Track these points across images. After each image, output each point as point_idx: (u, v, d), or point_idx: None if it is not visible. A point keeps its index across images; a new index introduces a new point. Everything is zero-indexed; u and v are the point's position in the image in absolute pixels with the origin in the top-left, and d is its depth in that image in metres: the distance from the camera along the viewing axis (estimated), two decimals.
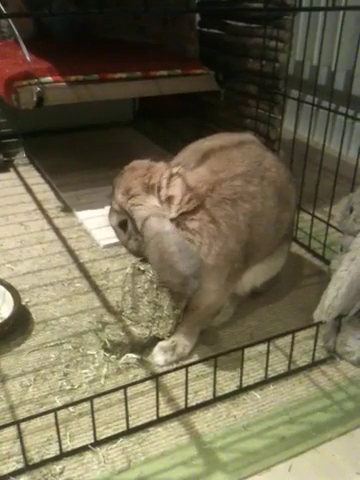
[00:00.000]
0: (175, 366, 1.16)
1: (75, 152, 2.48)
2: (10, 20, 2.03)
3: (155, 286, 1.22)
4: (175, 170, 1.19)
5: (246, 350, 1.16)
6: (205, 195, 1.14)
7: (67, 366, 1.21)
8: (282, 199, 1.23)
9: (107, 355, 1.24)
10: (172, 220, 1.13)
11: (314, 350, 1.22)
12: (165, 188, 1.16)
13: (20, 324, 1.34)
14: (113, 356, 1.23)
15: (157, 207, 1.14)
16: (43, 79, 1.79)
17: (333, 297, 1.17)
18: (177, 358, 1.22)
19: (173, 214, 1.14)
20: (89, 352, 1.25)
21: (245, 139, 1.32)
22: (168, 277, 1.11)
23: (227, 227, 1.13)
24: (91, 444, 1.01)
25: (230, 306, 1.36)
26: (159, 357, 1.22)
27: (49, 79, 1.81)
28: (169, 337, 1.24)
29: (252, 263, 1.25)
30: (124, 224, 1.23)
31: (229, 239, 1.14)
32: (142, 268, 1.24)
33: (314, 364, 1.22)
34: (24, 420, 0.95)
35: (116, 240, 1.73)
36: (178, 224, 1.14)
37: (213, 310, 1.28)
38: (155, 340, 1.27)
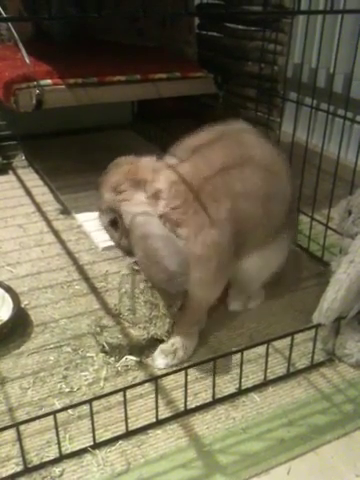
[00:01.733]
0: (174, 368, 1.16)
1: (74, 154, 2.48)
2: (9, 23, 2.03)
3: (150, 285, 1.22)
4: (161, 164, 1.18)
5: (245, 352, 1.16)
6: (191, 189, 1.14)
7: (66, 368, 1.21)
8: (271, 186, 1.22)
9: (106, 358, 1.24)
10: (160, 215, 1.13)
11: (313, 352, 1.22)
12: (151, 182, 1.16)
13: (19, 326, 1.34)
14: (112, 358, 1.24)
15: (144, 203, 1.14)
16: (42, 82, 1.79)
17: (332, 299, 1.17)
18: (178, 361, 1.22)
19: (161, 209, 1.14)
20: (88, 354, 1.25)
21: (233, 129, 1.33)
22: (154, 273, 1.11)
23: (213, 218, 1.13)
24: (90, 446, 1.01)
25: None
26: (160, 361, 1.22)
27: (48, 82, 1.81)
28: (167, 337, 1.24)
29: (244, 254, 1.23)
30: (115, 223, 1.23)
31: (215, 229, 1.13)
32: (136, 268, 1.24)
33: (313, 366, 1.23)
34: (23, 422, 0.95)
35: None
36: (166, 218, 1.13)
37: (206, 304, 1.26)
38: (154, 341, 1.27)
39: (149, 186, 1.17)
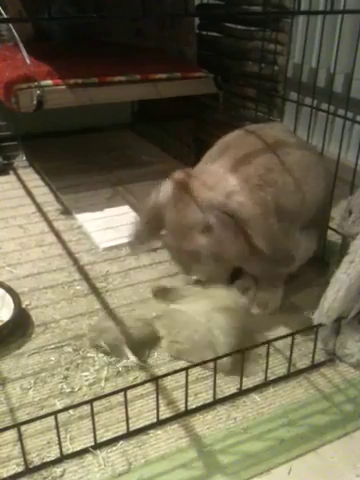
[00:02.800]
0: (175, 369, 1.16)
1: (74, 155, 2.48)
2: (10, 24, 2.04)
3: None
4: (220, 169, 1.26)
5: (246, 352, 1.17)
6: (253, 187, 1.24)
7: (67, 369, 1.21)
8: (306, 182, 1.32)
9: (107, 358, 1.24)
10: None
11: (314, 352, 1.22)
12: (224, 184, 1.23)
13: (20, 327, 1.34)
14: (113, 359, 1.24)
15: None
16: (43, 82, 1.79)
17: (332, 299, 1.17)
18: (270, 311, 1.36)
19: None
20: (89, 355, 1.25)
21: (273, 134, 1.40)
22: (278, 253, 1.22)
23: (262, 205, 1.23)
24: (91, 447, 1.02)
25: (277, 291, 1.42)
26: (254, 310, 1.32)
27: (49, 82, 1.81)
28: None
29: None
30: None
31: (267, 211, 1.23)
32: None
33: (314, 366, 1.23)
34: (24, 423, 0.95)
35: (116, 242, 1.75)
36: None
37: (277, 255, 1.27)
38: (154, 339, 1.29)
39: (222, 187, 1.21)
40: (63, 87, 1.81)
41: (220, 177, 1.23)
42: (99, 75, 1.86)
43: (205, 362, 1.13)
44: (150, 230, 1.33)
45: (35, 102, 1.72)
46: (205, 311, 1.22)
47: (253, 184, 1.24)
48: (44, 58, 1.96)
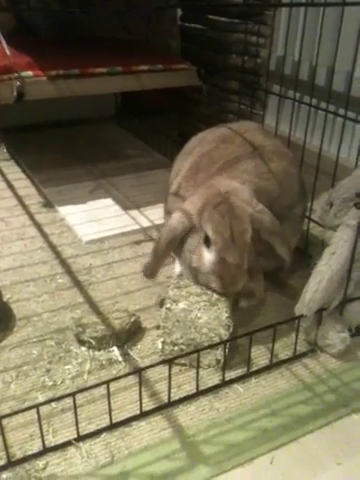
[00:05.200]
0: (157, 361, 1.16)
1: (57, 148, 2.46)
2: None
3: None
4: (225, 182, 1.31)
5: (228, 344, 1.17)
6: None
7: (49, 362, 1.21)
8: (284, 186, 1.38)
9: (91, 351, 1.23)
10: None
11: (295, 343, 1.23)
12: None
13: (1, 320, 1.33)
14: (97, 352, 1.23)
15: None
16: (23, 73, 1.77)
17: (314, 291, 1.18)
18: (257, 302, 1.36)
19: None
20: (72, 348, 1.25)
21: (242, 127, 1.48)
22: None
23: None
24: (74, 439, 1.01)
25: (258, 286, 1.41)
26: (242, 303, 1.32)
27: (29, 74, 1.79)
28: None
29: None
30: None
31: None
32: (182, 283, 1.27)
33: (296, 357, 1.24)
34: (6, 416, 0.94)
35: (99, 236, 1.74)
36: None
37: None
38: (140, 329, 1.30)
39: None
40: (44, 78, 1.79)
41: (240, 193, 1.26)
42: (81, 66, 1.84)
43: (188, 354, 1.14)
44: (163, 262, 1.35)
45: (15, 93, 1.70)
46: (199, 307, 1.21)
47: (254, 191, 1.29)
48: (25, 50, 1.94)
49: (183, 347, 1.18)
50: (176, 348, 1.19)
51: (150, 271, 1.33)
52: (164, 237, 1.28)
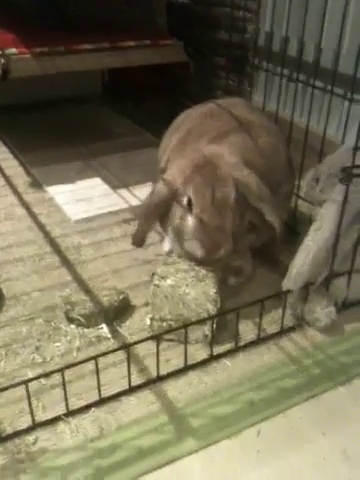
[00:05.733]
0: (146, 336, 1.17)
1: (44, 128, 2.43)
2: None
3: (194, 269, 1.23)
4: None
5: (216, 320, 1.18)
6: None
7: (39, 340, 1.21)
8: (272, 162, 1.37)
9: (80, 329, 1.24)
10: None
11: (282, 318, 1.24)
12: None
13: None
14: (87, 330, 1.24)
15: None
16: (7, 51, 1.75)
17: (300, 266, 1.20)
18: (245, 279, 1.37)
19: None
20: (61, 326, 1.26)
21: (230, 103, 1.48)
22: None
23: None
24: (64, 414, 1.03)
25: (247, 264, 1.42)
26: (231, 280, 1.33)
27: (13, 51, 1.77)
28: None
29: None
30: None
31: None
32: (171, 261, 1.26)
33: (282, 332, 1.25)
34: None
35: (87, 215, 1.74)
36: None
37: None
38: (129, 306, 1.31)
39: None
40: (29, 55, 1.77)
41: (226, 157, 1.25)
42: (66, 43, 1.82)
43: (176, 329, 1.15)
44: (151, 227, 1.36)
45: (0, 71, 1.67)
46: (187, 283, 1.22)
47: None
48: (9, 27, 1.90)
49: (171, 323, 1.19)
50: (164, 324, 1.20)
51: (138, 238, 1.34)
52: (149, 202, 1.29)
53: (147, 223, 1.32)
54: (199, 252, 1.19)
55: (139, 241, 1.35)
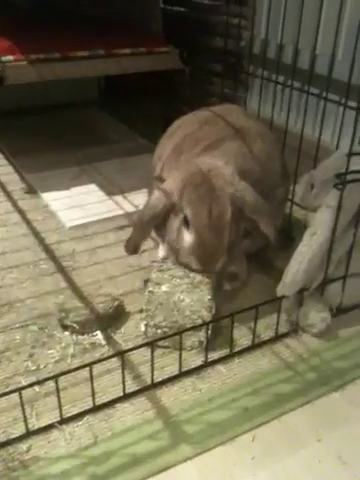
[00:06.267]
0: (140, 343, 1.17)
1: (40, 133, 2.43)
2: None
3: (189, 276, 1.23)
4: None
5: (211, 326, 1.18)
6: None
7: (33, 347, 1.21)
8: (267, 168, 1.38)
9: (74, 336, 1.24)
10: None
11: (277, 324, 1.24)
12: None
13: None
14: (82, 336, 1.23)
15: None
16: (3, 58, 1.75)
17: (295, 272, 1.20)
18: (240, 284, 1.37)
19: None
20: (55, 333, 1.25)
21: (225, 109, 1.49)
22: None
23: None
24: (57, 422, 1.02)
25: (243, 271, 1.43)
26: (227, 286, 1.33)
27: (10, 58, 1.77)
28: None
29: None
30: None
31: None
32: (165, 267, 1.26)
33: (277, 337, 1.25)
34: None
35: (82, 221, 1.74)
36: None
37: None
38: (123, 313, 1.31)
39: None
40: (24, 63, 1.77)
41: (222, 171, 1.26)
42: (62, 50, 1.83)
43: (171, 336, 1.15)
44: (145, 237, 1.36)
45: None
46: (182, 290, 1.22)
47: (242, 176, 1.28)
48: (5, 33, 1.91)
49: (166, 330, 1.19)
50: (159, 331, 1.20)
51: (132, 247, 1.35)
52: (145, 214, 1.29)
53: (142, 233, 1.33)
54: (195, 266, 1.22)
55: (133, 249, 1.35)
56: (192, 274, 1.23)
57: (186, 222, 1.22)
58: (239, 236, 1.28)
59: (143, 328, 1.21)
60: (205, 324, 1.17)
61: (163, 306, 1.19)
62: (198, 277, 1.23)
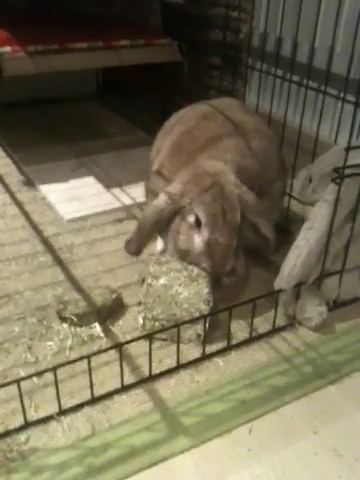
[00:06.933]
0: (138, 335, 1.17)
1: (38, 126, 2.43)
2: None
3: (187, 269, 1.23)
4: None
5: (209, 319, 1.19)
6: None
7: (31, 339, 1.21)
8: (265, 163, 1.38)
9: (73, 328, 1.24)
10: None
11: (274, 317, 1.25)
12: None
13: None
14: (80, 329, 1.24)
15: None
16: (1, 50, 1.74)
17: (292, 265, 1.20)
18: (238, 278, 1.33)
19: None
20: (53, 325, 1.25)
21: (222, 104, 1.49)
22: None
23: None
24: (56, 413, 1.03)
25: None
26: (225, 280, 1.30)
27: (7, 49, 1.76)
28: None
29: None
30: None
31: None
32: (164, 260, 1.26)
33: (274, 331, 1.26)
34: None
35: (80, 214, 1.74)
36: None
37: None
38: (121, 306, 1.31)
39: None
40: (22, 54, 1.76)
41: (225, 173, 1.27)
42: (60, 42, 1.82)
43: (169, 328, 1.15)
44: (149, 240, 1.36)
45: None
46: (180, 283, 1.22)
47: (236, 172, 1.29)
48: (2, 25, 1.90)
49: (164, 322, 1.20)
50: (157, 323, 1.20)
51: (134, 249, 1.34)
52: (149, 217, 1.29)
53: (147, 236, 1.33)
54: (207, 266, 1.23)
55: (135, 252, 1.35)
56: (190, 267, 1.24)
57: (198, 223, 1.23)
58: (241, 236, 1.29)
59: (141, 321, 1.22)
60: (203, 317, 1.17)
61: (161, 299, 1.20)
62: (196, 270, 1.23)
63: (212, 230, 1.21)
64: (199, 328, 1.20)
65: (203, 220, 1.22)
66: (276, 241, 1.34)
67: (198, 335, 1.21)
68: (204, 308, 1.19)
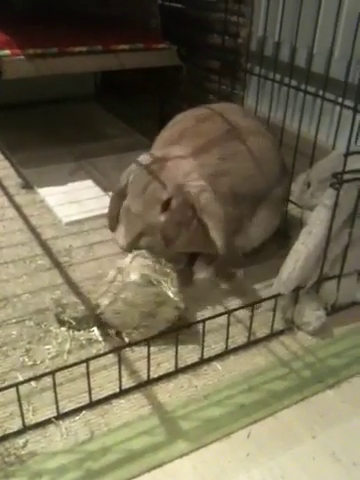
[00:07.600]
0: (137, 340, 1.17)
1: (36, 128, 2.43)
2: None
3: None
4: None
5: (208, 323, 1.19)
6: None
7: (29, 342, 1.21)
8: (261, 167, 1.38)
9: (71, 332, 1.24)
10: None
11: (273, 321, 1.25)
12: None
13: None
14: (78, 332, 1.24)
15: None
16: (0, 52, 1.74)
17: (291, 270, 1.20)
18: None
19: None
20: (52, 328, 1.25)
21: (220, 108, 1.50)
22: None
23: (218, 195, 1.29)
24: (54, 417, 1.02)
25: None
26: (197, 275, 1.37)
27: (7, 52, 1.76)
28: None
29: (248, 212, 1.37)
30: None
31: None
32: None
33: (273, 335, 1.26)
34: None
35: (79, 217, 1.74)
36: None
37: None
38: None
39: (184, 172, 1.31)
40: (22, 57, 1.76)
41: (183, 163, 1.28)
42: (59, 45, 1.82)
43: (167, 333, 1.15)
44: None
45: None
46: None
47: (209, 173, 1.30)
48: (2, 28, 1.90)
49: (142, 330, 1.19)
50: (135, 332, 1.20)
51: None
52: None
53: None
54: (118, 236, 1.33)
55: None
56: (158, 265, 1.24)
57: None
58: (188, 238, 1.28)
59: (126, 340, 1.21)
60: (203, 321, 1.17)
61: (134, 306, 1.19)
62: (164, 268, 1.23)
63: (129, 198, 1.29)
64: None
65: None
66: (228, 256, 1.30)
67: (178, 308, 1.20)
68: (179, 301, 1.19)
